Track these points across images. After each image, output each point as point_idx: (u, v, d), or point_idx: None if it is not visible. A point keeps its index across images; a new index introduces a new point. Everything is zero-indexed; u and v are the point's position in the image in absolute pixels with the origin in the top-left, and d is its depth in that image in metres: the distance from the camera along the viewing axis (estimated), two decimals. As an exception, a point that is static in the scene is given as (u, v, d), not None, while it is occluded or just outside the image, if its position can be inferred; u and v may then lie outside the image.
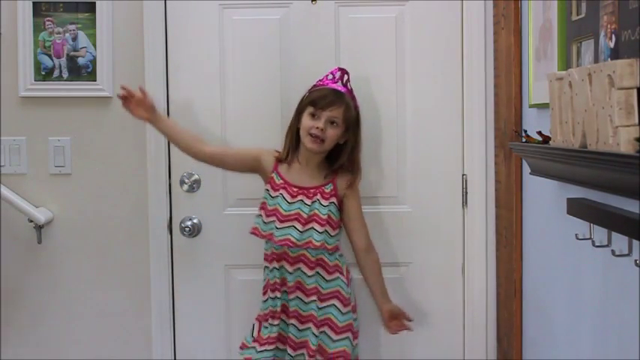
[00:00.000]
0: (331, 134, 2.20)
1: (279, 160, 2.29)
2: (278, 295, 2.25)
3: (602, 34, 1.54)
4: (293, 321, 2.24)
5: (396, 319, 2.29)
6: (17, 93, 2.51)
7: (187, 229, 2.52)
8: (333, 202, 2.23)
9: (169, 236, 2.55)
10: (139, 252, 2.55)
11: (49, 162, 2.54)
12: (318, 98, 2.20)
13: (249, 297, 2.48)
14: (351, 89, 2.28)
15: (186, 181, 2.53)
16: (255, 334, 2.29)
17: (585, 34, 1.66)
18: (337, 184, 2.26)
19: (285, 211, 2.21)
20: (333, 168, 2.27)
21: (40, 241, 2.53)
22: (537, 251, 2.19)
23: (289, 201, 2.22)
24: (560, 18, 1.83)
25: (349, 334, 2.24)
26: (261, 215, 2.25)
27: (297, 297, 2.23)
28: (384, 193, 2.52)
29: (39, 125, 2.54)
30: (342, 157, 2.27)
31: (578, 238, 1.70)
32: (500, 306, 2.50)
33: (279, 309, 2.25)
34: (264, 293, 2.30)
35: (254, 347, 2.26)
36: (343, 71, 2.28)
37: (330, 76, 2.26)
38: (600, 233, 1.58)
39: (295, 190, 2.23)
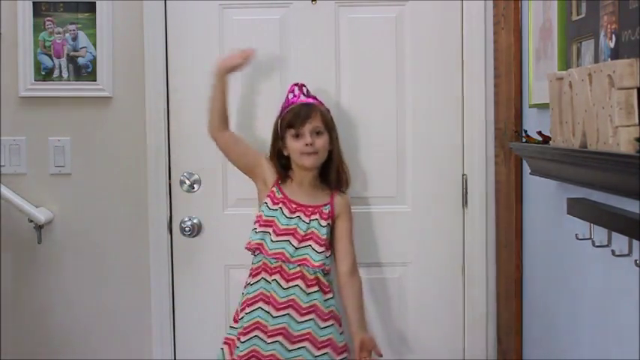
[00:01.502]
0: (321, 143, 2.21)
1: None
2: (264, 307, 2.18)
3: (602, 34, 1.54)
4: (279, 338, 2.16)
5: (366, 352, 2.17)
6: (17, 93, 2.51)
7: (187, 229, 2.52)
8: (329, 224, 2.23)
9: (169, 236, 2.55)
10: (139, 252, 2.55)
11: (49, 162, 2.54)
12: (294, 117, 2.21)
13: (249, 297, 2.49)
14: (315, 96, 2.29)
15: (186, 180, 2.54)
16: (227, 357, 2.23)
17: (585, 34, 1.66)
18: (335, 205, 2.25)
19: (283, 225, 2.20)
20: (329, 183, 2.26)
21: (40, 241, 2.53)
22: (537, 251, 2.19)
23: (287, 216, 2.21)
24: (560, 18, 1.83)
25: (346, 354, 2.23)
26: (255, 228, 2.23)
27: (289, 314, 2.17)
28: (384, 193, 2.52)
29: (39, 125, 2.54)
30: (331, 169, 2.26)
31: (578, 238, 1.70)
32: (500, 306, 2.50)
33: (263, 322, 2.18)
34: (242, 310, 2.22)
35: None
36: (300, 85, 2.28)
37: (291, 95, 2.27)
38: (600, 233, 1.58)
39: (294, 206, 2.22)
